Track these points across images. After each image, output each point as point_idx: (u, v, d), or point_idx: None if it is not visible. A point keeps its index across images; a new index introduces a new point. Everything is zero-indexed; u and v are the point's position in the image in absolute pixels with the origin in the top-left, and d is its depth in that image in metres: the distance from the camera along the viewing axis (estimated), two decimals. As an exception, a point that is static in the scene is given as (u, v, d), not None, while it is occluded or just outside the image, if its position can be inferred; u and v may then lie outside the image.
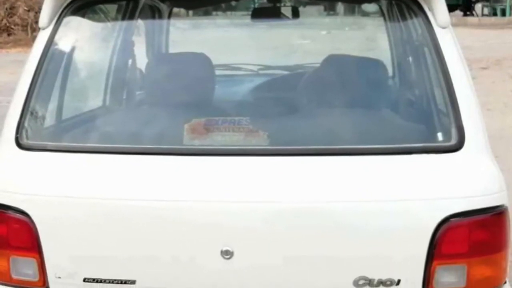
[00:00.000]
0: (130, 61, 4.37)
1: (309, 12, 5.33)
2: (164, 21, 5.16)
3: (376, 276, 2.75)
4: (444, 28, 3.09)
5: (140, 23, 4.66)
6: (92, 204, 2.82)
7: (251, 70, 5.20)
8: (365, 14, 5.21)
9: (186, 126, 3.06)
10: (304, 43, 8.12)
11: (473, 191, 2.77)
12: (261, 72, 5.19)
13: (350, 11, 5.54)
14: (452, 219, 2.72)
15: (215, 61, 3.96)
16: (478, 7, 34.50)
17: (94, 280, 2.86)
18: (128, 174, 2.89)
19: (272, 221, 2.76)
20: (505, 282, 2.90)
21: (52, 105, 3.38)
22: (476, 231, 2.77)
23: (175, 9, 5.31)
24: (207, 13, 5.96)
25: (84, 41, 3.68)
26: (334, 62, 3.90)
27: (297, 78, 4.09)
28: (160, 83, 3.76)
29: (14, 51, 22.25)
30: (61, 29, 3.24)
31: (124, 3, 4.13)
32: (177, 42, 5.65)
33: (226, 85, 4.68)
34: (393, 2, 3.79)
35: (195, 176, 2.84)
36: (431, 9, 3.12)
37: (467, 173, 2.82)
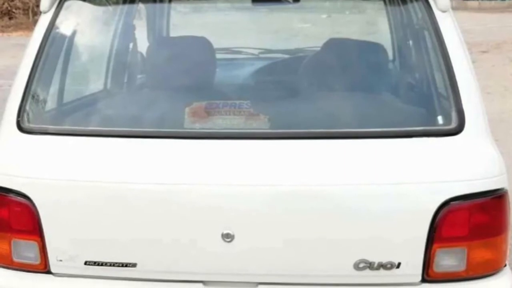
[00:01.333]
0: (131, 45, 4.35)
1: (309, -4, 5.29)
2: (165, 5, 5.13)
3: (376, 259, 2.77)
4: (444, 11, 3.09)
5: (141, 6, 4.64)
6: (93, 187, 2.83)
7: (252, 54, 5.19)
8: (366, -3, 5.18)
9: (187, 109, 3.07)
10: (305, 26, 8.08)
11: (473, 174, 2.78)
12: (261, 55, 5.17)
13: (351, -5, 5.51)
14: (452, 202, 2.73)
15: (216, 44, 3.95)
16: (478, -10, 34.45)
17: (95, 263, 2.88)
18: (129, 157, 2.89)
19: (272, 204, 2.77)
20: (505, 265, 2.91)
21: (53, 89, 3.38)
22: (476, 214, 2.78)
23: (176, -7, 5.28)
24: (208, -4, 5.93)
25: (85, 24, 3.68)
26: (335, 45, 3.89)
27: (297, 61, 4.09)
28: (161, 66, 3.76)
29: (15, 34, 22.27)
30: (62, 12, 3.24)
31: None
32: (178, 25, 5.63)
33: (227, 68, 4.67)
34: None
35: (196, 160, 2.85)
36: (431, -7, 3.12)
37: (467, 156, 2.82)
